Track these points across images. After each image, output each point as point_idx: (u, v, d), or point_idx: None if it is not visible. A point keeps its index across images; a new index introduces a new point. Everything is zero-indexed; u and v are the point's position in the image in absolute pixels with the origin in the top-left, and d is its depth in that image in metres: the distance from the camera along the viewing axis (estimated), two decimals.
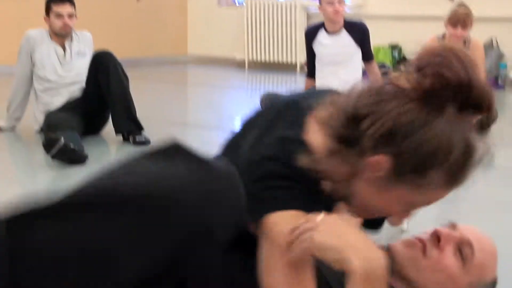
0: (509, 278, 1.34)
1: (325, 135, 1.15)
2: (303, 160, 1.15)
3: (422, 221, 1.49)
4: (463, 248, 1.30)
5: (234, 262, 1.23)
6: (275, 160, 1.19)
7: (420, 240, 1.31)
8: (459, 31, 4.35)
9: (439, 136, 1.10)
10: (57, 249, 1.01)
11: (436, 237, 1.30)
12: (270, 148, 1.21)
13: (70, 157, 3.18)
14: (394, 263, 1.28)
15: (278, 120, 1.27)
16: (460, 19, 4.35)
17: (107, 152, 3.78)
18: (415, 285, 1.31)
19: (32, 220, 1.02)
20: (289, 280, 1.14)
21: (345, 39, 4.03)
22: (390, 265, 1.16)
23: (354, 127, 1.11)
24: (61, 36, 3.93)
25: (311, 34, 4.18)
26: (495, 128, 3.90)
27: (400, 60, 7.10)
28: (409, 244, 1.32)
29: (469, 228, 1.36)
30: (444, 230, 1.31)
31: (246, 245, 1.21)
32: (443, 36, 4.43)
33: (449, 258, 1.29)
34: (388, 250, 1.30)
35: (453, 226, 1.34)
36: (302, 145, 1.18)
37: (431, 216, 1.52)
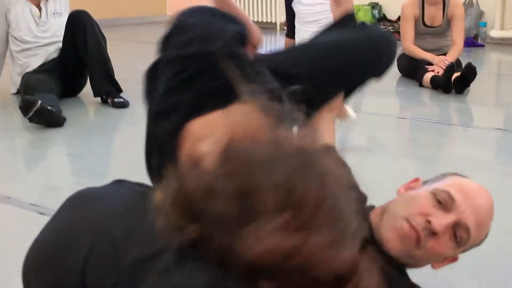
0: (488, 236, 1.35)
1: None
2: None
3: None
4: (458, 231, 1.25)
5: None
6: None
7: (415, 230, 1.24)
8: None
9: None
10: None
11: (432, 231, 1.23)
12: None
13: (48, 119, 3.13)
14: (385, 255, 1.24)
15: None
16: None
17: (86, 114, 3.73)
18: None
19: None
20: None
21: None
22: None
23: None
24: None
25: None
26: (473, 87, 3.94)
27: (380, 18, 7.05)
28: (403, 237, 1.24)
29: (468, 195, 1.28)
30: (440, 223, 1.23)
31: None
32: None
33: (445, 244, 1.25)
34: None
35: (450, 198, 1.26)
36: None
37: (412, 175, 1.52)
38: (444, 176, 1.36)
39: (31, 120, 3.11)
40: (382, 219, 1.30)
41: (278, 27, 7.70)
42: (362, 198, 1.40)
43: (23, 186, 2.39)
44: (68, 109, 3.45)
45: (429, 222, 1.23)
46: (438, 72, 4.13)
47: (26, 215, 2.08)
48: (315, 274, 0.83)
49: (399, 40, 4.03)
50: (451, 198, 1.26)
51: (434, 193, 1.27)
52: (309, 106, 1.01)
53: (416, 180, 1.40)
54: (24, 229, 1.82)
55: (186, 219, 0.85)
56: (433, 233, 1.23)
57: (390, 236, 1.26)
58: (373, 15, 7.05)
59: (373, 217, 1.33)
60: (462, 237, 1.25)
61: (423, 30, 4.46)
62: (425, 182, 1.38)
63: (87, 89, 3.86)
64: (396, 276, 1.28)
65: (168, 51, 1.43)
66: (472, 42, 6.22)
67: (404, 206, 1.28)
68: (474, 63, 3.95)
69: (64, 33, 3.80)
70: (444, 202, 1.26)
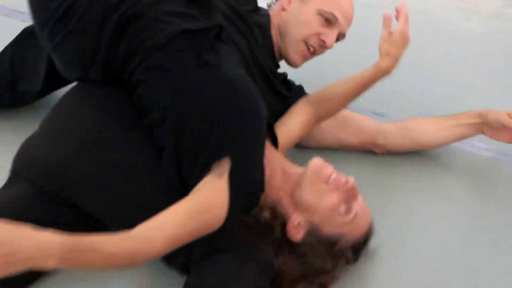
0: None
1: None
2: None
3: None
4: (338, 38, 1.79)
5: None
6: None
7: (313, 49, 1.77)
8: None
9: None
10: None
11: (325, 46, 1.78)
12: None
13: None
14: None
15: None
16: None
17: None
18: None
19: None
20: None
21: None
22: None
23: None
24: None
25: None
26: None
27: None
28: (304, 57, 1.79)
29: (343, 10, 1.75)
30: (331, 41, 1.75)
31: None
32: None
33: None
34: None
35: (335, 18, 1.74)
36: None
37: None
38: None
39: None
40: (282, 40, 1.79)
41: None
42: None
43: None
44: None
45: (323, 41, 1.76)
46: None
47: None
48: None
49: None
50: (335, 18, 1.75)
51: (321, 14, 1.74)
52: None
53: None
54: None
55: None
56: (325, 47, 1.78)
57: (296, 57, 1.79)
58: None
59: (274, 33, 1.79)
60: (338, 39, 1.81)
61: None
62: None
63: None
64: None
65: None
66: None
67: (300, 29, 1.76)
68: None
69: None
70: (331, 20, 1.75)
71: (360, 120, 1.93)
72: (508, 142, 1.86)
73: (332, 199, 1.40)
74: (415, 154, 1.94)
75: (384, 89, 1.91)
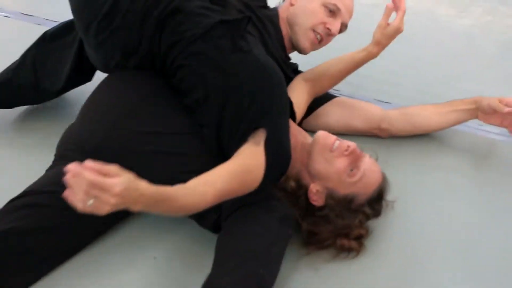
0: None
1: None
2: None
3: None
4: (341, 27, 2.02)
5: None
6: None
7: (320, 36, 2.01)
8: None
9: None
10: None
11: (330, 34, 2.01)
12: None
13: None
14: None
15: None
16: None
17: None
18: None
19: None
20: None
21: None
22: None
23: None
24: None
25: None
26: None
27: None
28: (313, 43, 2.03)
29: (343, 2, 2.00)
30: (335, 28, 1.99)
31: None
32: None
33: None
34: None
35: (337, 8, 1.98)
36: None
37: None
38: None
39: None
40: (293, 30, 2.03)
41: None
42: None
43: None
44: None
45: (329, 29, 2.00)
46: None
47: None
48: None
49: None
50: (338, 8, 2.00)
51: (325, 6, 1.99)
52: None
53: None
54: None
55: None
56: (331, 35, 2.02)
57: (306, 44, 2.03)
58: None
59: (283, 26, 2.03)
60: (342, 30, 2.03)
61: None
62: None
63: None
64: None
65: None
66: None
67: (307, 19, 2.00)
68: None
69: None
70: (334, 11, 2.00)
71: (367, 107, 2.15)
72: (499, 126, 2.08)
73: (339, 163, 1.63)
74: (415, 137, 2.16)
75: (389, 80, 2.13)
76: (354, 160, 1.64)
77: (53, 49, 2.01)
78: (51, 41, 2.01)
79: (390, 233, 1.76)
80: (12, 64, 2.05)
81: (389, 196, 1.73)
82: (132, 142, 1.61)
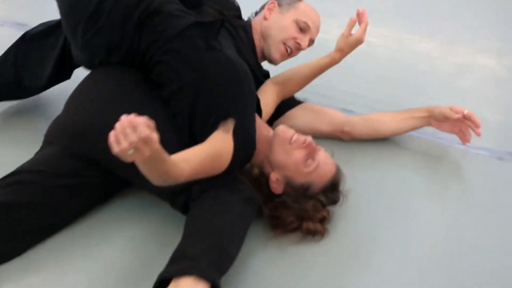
0: None
1: None
2: None
3: None
4: (309, 43, 2.20)
5: None
6: None
7: (290, 50, 2.19)
8: None
9: None
10: None
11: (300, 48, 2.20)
12: None
13: None
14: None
15: None
16: None
17: None
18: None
19: None
20: None
21: None
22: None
23: None
24: None
25: None
26: None
27: None
28: (283, 55, 2.20)
29: (312, 19, 2.20)
30: (305, 44, 2.18)
31: None
32: None
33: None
34: None
35: (307, 25, 2.17)
36: None
37: None
38: (294, 2, 2.24)
39: None
40: (265, 42, 2.20)
41: None
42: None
43: None
44: None
45: (298, 44, 2.18)
46: None
47: None
48: None
49: None
50: (308, 26, 2.18)
51: (297, 22, 2.18)
52: None
53: (273, 2, 2.25)
54: None
55: None
56: (300, 49, 2.20)
57: (276, 55, 2.20)
58: None
59: (256, 37, 2.21)
60: (309, 45, 2.21)
61: None
62: (279, 5, 2.24)
63: None
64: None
65: None
66: None
67: (279, 33, 2.18)
68: None
69: None
70: (304, 29, 2.19)
71: (332, 112, 2.35)
72: (450, 132, 2.29)
73: (296, 154, 1.82)
74: (375, 141, 2.37)
75: (356, 93, 2.32)
76: (310, 152, 1.82)
77: (34, 49, 2.18)
78: (31, 41, 2.18)
79: (349, 221, 1.95)
80: None
81: (346, 189, 1.92)
82: (111, 127, 1.76)
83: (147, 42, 1.85)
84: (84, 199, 1.84)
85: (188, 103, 1.78)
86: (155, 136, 1.35)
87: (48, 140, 1.88)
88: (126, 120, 1.32)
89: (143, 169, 1.46)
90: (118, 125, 1.32)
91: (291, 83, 2.23)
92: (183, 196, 1.76)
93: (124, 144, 1.31)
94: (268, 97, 2.17)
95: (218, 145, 1.69)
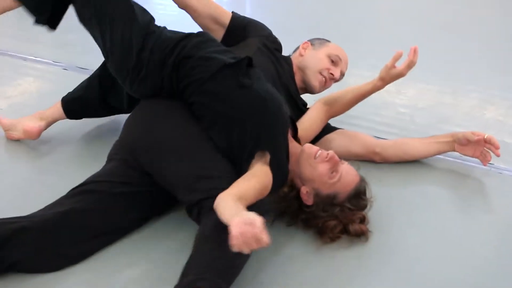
0: None
1: None
2: None
3: None
4: (340, 76, 2.55)
5: None
6: None
7: (325, 79, 2.53)
8: None
9: None
10: None
11: (334, 79, 2.57)
12: None
13: None
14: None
15: None
16: None
17: None
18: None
19: None
20: None
21: None
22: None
23: None
24: None
25: None
26: None
27: None
28: (321, 83, 2.55)
29: (342, 54, 2.56)
30: (337, 74, 2.53)
31: None
32: None
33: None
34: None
35: (339, 58, 2.54)
36: None
37: None
38: (325, 41, 2.61)
39: None
40: (304, 73, 2.54)
41: None
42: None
43: None
44: None
45: (332, 74, 2.52)
46: None
47: None
48: None
49: None
50: (339, 58, 2.54)
51: (329, 56, 2.54)
52: None
53: (306, 43, 2.61)
54: None
55: None
56: (333, 79, 2.54)
57: (315, 83, 2.54)
58: None
59: (295, 69, 2.54)
60: (340, 78, 2.57)
61: None
62: (312, 44, 2.60)
63: None
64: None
65: None
66: None
67: (316, 64, 2.52)
68: None
69: None
70: (335, 61, 2.54)
71: (364, 136, 2.61)
72: (472, 156, 2.52)
73: (321, 168, 2.02)
74: (405, 162, 2.61)
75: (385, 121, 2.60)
76: (333, 165, 2.02)
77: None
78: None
79: (382, 233, 2.13)
80: (82, 83, 2.55)
81: (372, 197, 2.12)
82: (164, 144, 1.99)
83: (183, 85, 2.05)
84: (140, 207, 2.05)
85: (224, 136, 1.98)
86: (264, 238, 1.50)
87: (111, 157, 2.12)
88: (251, 232, 1.49)
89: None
90: (244, 233, 1.49)
91: (338, 104, 2.49)
92: (196, 209, 1.89)
93: (246, 251, 1.52)
94: (316, 114, 2.45)
95: (263, 178, 1.87)
